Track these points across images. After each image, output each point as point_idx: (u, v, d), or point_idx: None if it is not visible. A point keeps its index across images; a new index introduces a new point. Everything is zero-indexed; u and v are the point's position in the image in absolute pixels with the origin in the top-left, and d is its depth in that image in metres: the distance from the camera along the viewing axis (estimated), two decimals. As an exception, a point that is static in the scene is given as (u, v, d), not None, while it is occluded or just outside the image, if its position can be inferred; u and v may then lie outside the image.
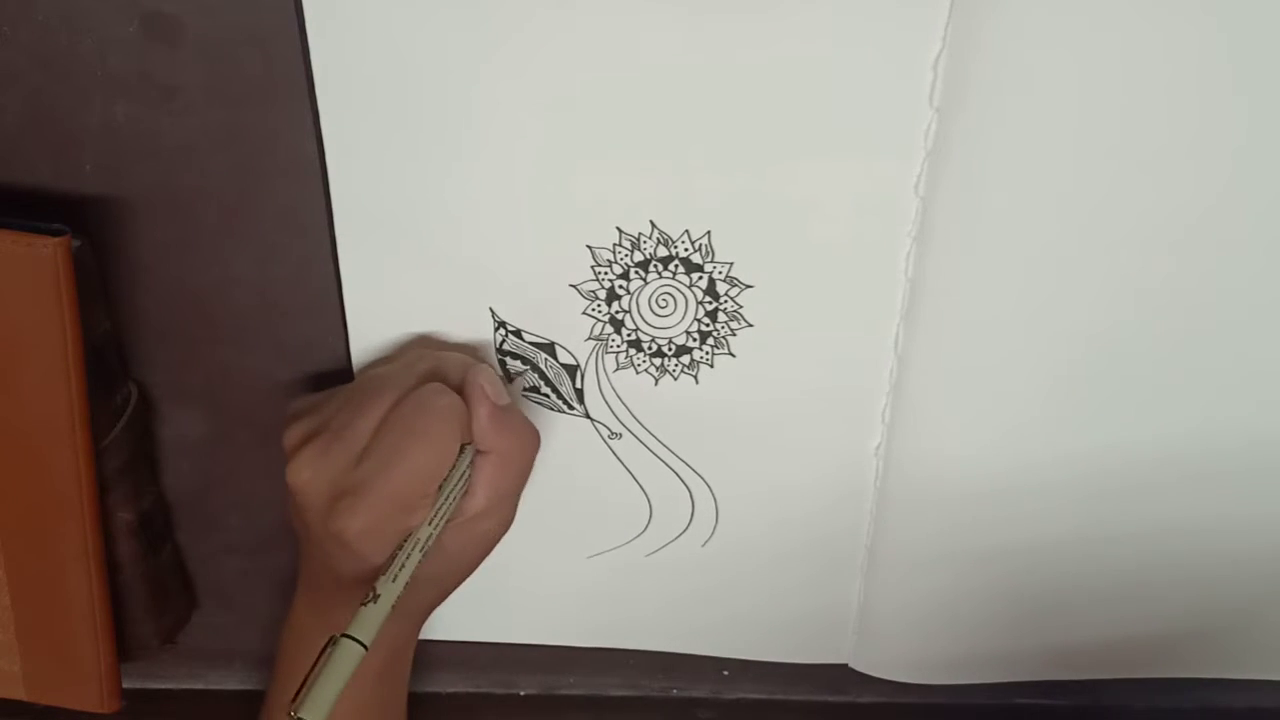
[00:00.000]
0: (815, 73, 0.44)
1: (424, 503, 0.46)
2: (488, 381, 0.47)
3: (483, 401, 0.47)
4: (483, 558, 0.50)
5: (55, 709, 0.56)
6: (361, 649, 0.43)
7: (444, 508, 0.46)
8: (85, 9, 0.44)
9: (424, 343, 0.51)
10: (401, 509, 0.45)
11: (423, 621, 0.53)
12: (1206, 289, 0.48)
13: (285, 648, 0.52)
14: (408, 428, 0.45)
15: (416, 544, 0.46)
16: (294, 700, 0.41)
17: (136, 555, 0.54)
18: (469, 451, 0.47)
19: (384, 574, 0.45)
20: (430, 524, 0.46)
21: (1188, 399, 0.51)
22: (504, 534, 0.50)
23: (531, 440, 0.49)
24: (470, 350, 0.51)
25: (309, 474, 0.46)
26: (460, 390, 0.47)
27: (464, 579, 0.51)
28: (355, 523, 0.45)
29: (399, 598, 0.45)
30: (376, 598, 0.44)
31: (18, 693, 0.55)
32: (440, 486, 0.46)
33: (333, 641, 0.43)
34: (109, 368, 0.50)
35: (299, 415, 0.49)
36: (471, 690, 0.62)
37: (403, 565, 0.45)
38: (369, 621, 0.44)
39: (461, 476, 0.47)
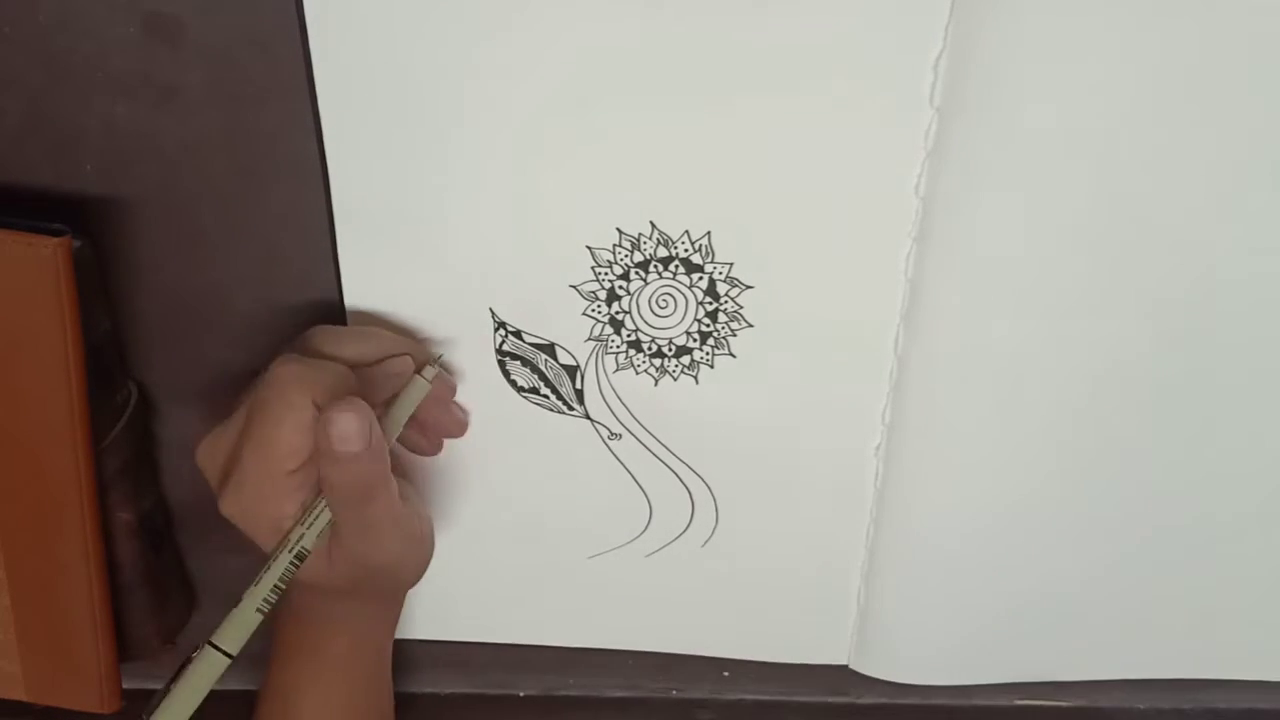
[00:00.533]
0: (815, 72, 0.44)
1: (288, 485, 0.44)
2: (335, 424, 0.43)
3: (324, 439, 0.43)
4: (420, 547, 0.48)
5: (56, 709, 0.56)
6: (226, 658, 0.42)
7: (320, 520, 0.44)
8: (85, 9, 0.44)
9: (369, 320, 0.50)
10: (267, 492, 0.44)
11: (398, 610, 0.52)
12: (1207, 288, 0.48)
13: (272, 646, 0.52)
14: (257, 402, 0.44)
15: (286, 545, 0.44)
16: (150, 710, 0.41)
17: (137, 555, 0.54)
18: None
19: (254, 584, 0.44)
20: (304, 524, 0.44)
21: (1188, 398, 0.51)
22: (427, 528, 0.48)
23: (363, 465, 0.44)
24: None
25: (202, 458, 0.46)
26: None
27: (416, 569, 0.49)
28: (232, 506, 0.44)
29: (268, 602, 0.44)
30: (238, 601, 0.44)
31: (18, 693, 0.55)
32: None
33: (197, 648, 0.43)
34: (109, 368, 0.50)
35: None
36: (471, 690, 0.62)
37: (267, 568, 0.44)
38: (235, 628, 0.43)
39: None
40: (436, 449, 0.52)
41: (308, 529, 0.44)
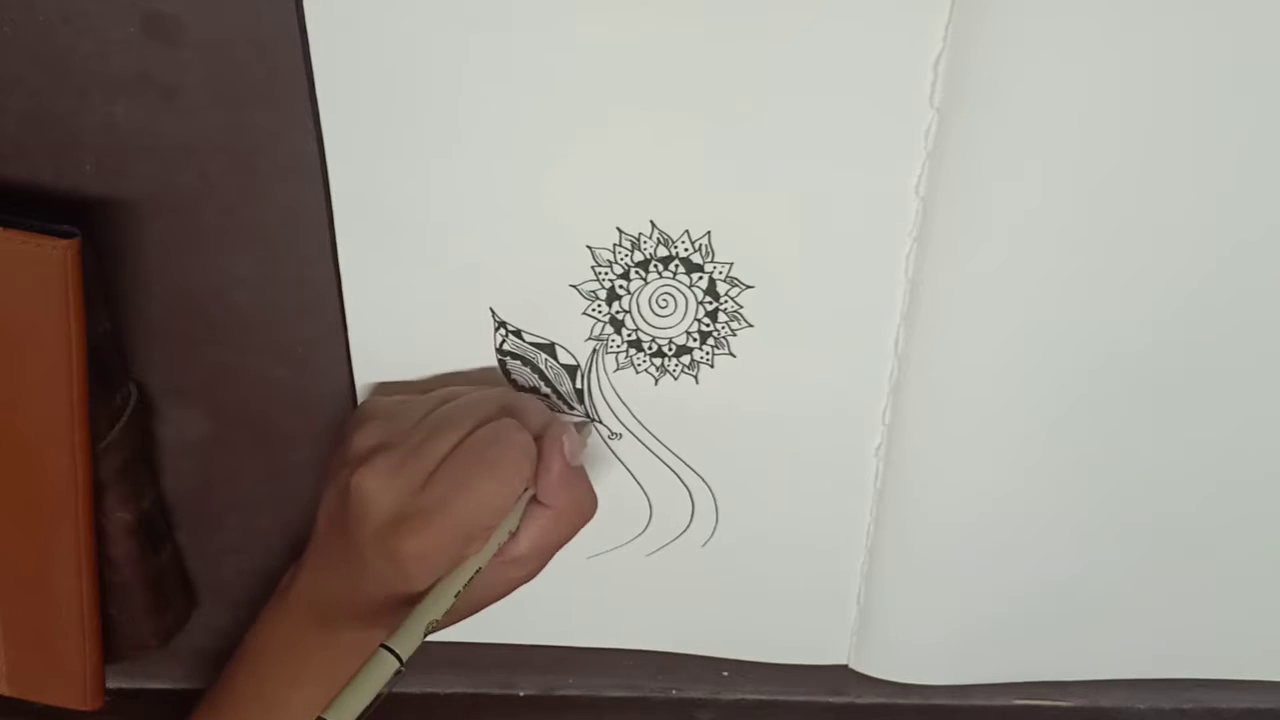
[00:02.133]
0: (816, 72, 0.44)
1: (483, 535, 0.46)
2: (569, 439, 0.47)
3: (558, 457, 0.47)
4: (497, 599, 0.50)
5: (53, 708, 0.56)
6: (397, 663, 0.43)
7: (493, 543, 0.47)
8: (85, 9, 0.44)
9: (499, 380, 0.51)
10: (461, 539, 0.46)
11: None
12: (1207, 287, 0.48)
13: (268, 649, 0.51)
14: (481, 457, 0.46)
15: (466, 574, 0.46)
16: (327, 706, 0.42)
17: (136, 555, 0.54)
18: (526, 496, 0.47)
19: (429, 596, 0.45)
20: (481, 557, 0.46)
21: (1189, 398, 0.51)
22: (526, 583, 0.50)
23: (590, 508, 0.49)
24: (550, 403, 0.52)
25: (377, 485, 0.46)
26: (536, 437, 0.47)
27: (470, 615, 0.50)
28: (415, 544, 0.45)
29: (434, 628, 0.45)
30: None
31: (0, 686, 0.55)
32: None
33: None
34: (109, 368, 0.50)
35: (369, 419, 0.49)
36: (471, 690, 0.62)
37: (456, 591, 0.46)
38: (409, 638, 0.44)
39: (515, 520, 0.47)
40: None
41: (482, 563, 0.46)
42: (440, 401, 0.49)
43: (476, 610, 0.50)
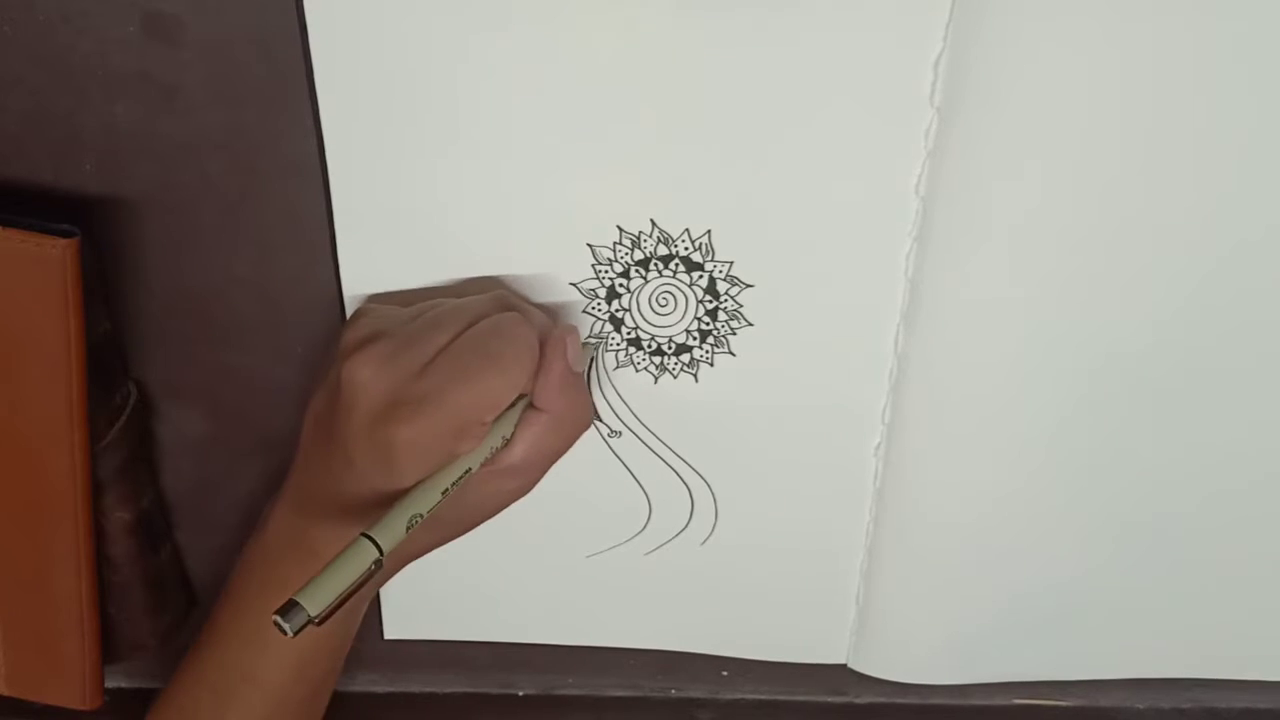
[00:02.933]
0: (816, 72, 0.44)
1: (477, 430, 0.44)
2: (573, 341, 0.46)
3: (560, 359, 0.45)
4: (490, 515, 0.49)
5: (52, 708, 0.56)
6: (376, 552, 0.41)
7: (487, 446, 0.45)
8: (85, 9, 0.44)
9: (493, 284, 0.49)
10: (455, 431, 0.44)
11: (400, 569, 0.50)
12: (1207, 287, 0.48)
13: (250, 566, 0.50)
14: (482, 349, 0.44)
15: (456, 472, 0.44)
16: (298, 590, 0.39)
17: (135, 554, 0.54)
18: (522, 403, 0.46)
19: (415, 490, 0.43)
20: (473, 457, 0.44)
21: (1188, 398, 0.51)
22: (519, 498, 0.48)
23: (586, 417, 0.48)
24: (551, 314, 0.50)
25: (368, 373, 0.44)
26: (539, 338, 0.46)
27: (464, 532, 0.49)
28: (406, 432, 0.43)
29: (420, 517, 0.43)
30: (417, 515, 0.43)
31: (-2, 686, 0.55)
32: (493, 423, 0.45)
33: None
34: (108, 368, 0.50)
35: (364, 314, 0.47)
36: (471, 690, 0.62)
37: (444, 489, 0.43)
38: (391, 528, 0.42)
39: (509, 426, 0.45)
40: None
41: (473, 466, 0.45)
42: (440, 302, 0.47)
43: (467, 527, 0.48)
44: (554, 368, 0.45)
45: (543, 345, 0.45)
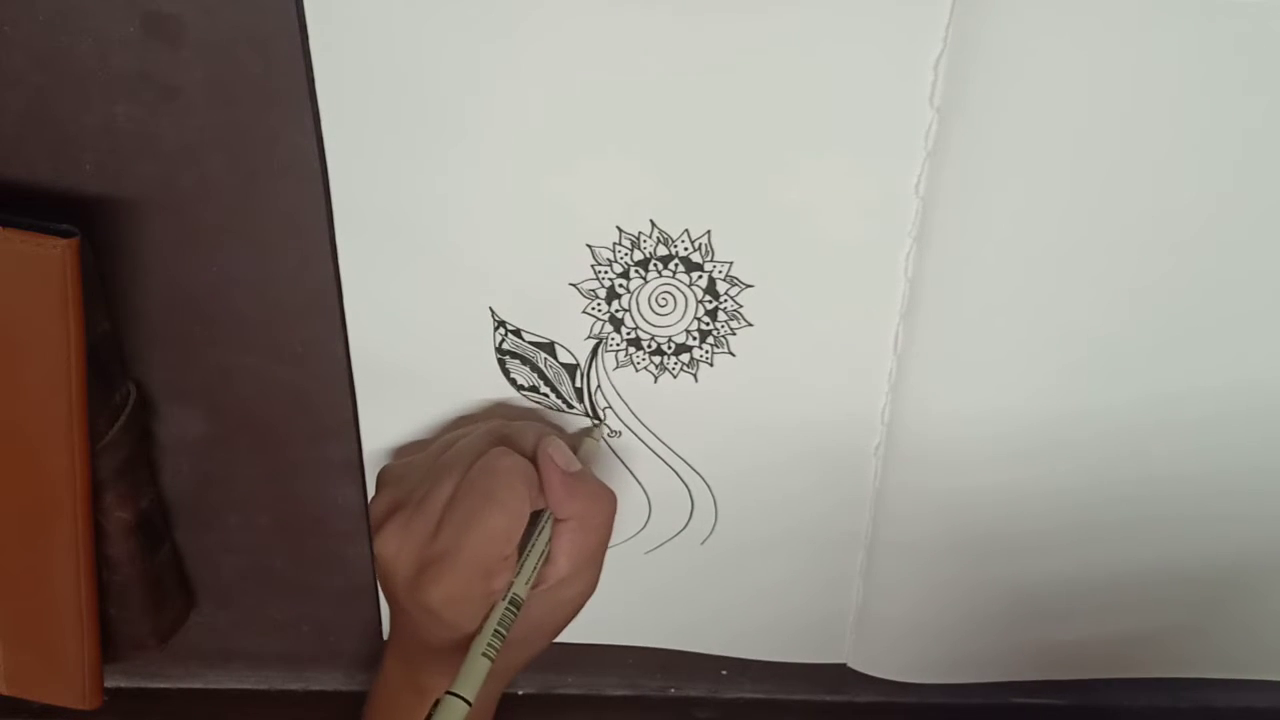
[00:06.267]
0: (816, 72, 0.44)
1: (505, 565, 0.47)
2: (556, 451, 0.48)
3: (553, 470, 0.47)
4: (569, 621, 0.51)
5: (52, 708, 0.56)
6: (465, 705, 0.44)
7: (528, 568, 0.47)
8: (85, 9, 0.44)
9: (498, 410, 0.52)
10: (482, 573, 0.46)
11: (508, 683, 0.53)
12: (1206, 289, 0.48)
13: (375, 707, 0.53)
14: (480, 491, 0.47)
15: (507, 601, 0.47)
16: None
17: (134, 554, 0.54)
18: (547, 518, 0.48)
19: (479, 635, 0.46)
20: (516, 587, 0.47)
21: (1187, 399, 0.51)
22: (590, 596, 0.50)
23: (607, 502, 0.49)
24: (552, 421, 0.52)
25: (394, 547, 0.48)
26: (533, 458, 0.48)
27: (551, 640, 0.51)
28: (439, 592, 0.46)
29: (497, 655, 0.46)
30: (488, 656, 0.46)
31: (-2, 686, 0.55)
32: (521, 548, 0.47)
33: (437, 701, 0.44)
34: (107, 368, 0.50)
35: (385, 484, 0.50)
36: (471, 690, 0.62)
37: (496, 627, 0.46)
38: (471, 677, 0.45)
39: (544, 542, 0.48)
40: None
41: (519, 580, 0.47)
42: (441, 450, 0.50)
43: (550, 637, 0.51)
44: (552, 480, 0.48)
45: (537, 462, 0.48)
